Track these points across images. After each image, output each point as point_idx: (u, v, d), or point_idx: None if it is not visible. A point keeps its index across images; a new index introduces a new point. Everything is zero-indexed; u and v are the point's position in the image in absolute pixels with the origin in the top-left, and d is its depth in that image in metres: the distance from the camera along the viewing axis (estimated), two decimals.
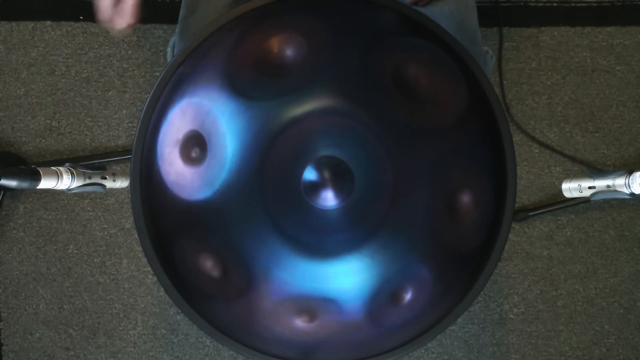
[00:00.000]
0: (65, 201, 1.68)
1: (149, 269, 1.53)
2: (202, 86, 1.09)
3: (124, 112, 1.69)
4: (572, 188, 1.12)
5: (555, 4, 1.70)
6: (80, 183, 0.92)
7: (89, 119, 1.68)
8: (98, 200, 1.68)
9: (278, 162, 1.07)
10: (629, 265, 1.67)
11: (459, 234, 1.11)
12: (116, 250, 1.67)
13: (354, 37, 1.11)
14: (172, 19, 1.36)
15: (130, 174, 1.08)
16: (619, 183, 1.02)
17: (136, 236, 1.21)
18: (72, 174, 0.91)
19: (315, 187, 1.07)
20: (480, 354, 1.66)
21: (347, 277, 1.09)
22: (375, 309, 1.09)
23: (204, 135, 1.08)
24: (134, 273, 1.67)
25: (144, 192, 1.09)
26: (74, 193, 1.33)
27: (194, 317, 1.09)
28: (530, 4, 1.70)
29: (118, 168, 1.04)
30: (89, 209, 1.68)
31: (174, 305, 1.10)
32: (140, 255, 1.67)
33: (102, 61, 1.69)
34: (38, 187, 0.91)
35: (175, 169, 1.09)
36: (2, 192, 1.65)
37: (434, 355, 1.66)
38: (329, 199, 1.07)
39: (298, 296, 1.09)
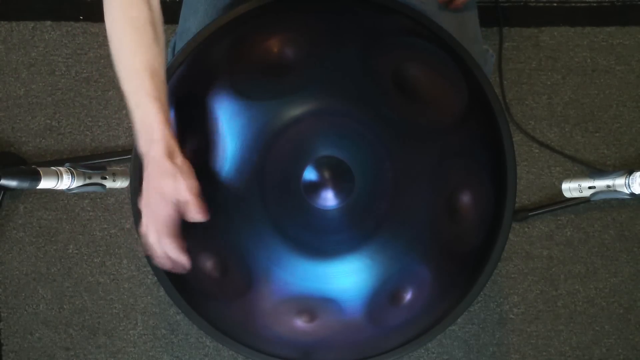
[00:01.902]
0: (65, 201, 1.68)
1: (149, 269, 1.53)
2: (203, 86, 1.09)
3: (124, 112, 1.69)
4: (572, 188, 1.12)
5: (555, 4, 1.70)
6: (80, 183, 0.92)
7: (89, 119, 1.68)
8: (98, 200, 1.68)
9: (278, 162, 1.07)
10: (629, 265, 1.67)
11: (459, 234, 1.11)
12: (116, 250, 1.67)
13: (353, 37, 1.11)
14: (172, 19, 1.36)
15: (130, 174, 1.08)
16: (619, 183, 1.02)
17: (136, 236, 1.21)
18: (72, 174, 0.91)
19: (315, 187, 1.07)
20: (480, 354, 1.66)
21: (347, 277, 1.09)
22: (375, 309, 1.09)
23: (204, 136, 1.08)
24: (134, 273, 1.67)
25: None
26: (74, 193, 1.33)
27: (194, 317, 1.09)
28: (530, 4, 1.70)
29: (118, 168, 1.04)
30: (89, 209, 1.68)
31: (174, 305, 1.10)
32: (140, 255, 1.67)
33: (102, 61, 1.69)
34: (38, 187, 0.91)
35: None
36: (2, 192, 1.65)
37: (434, 355, 1.66)
38: (329, 199, 1.07)
39: (298, 296, 1.09)
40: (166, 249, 0.95)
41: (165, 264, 0.97)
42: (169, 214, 0.93)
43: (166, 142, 0.94)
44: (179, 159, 0.95)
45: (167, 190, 0.93)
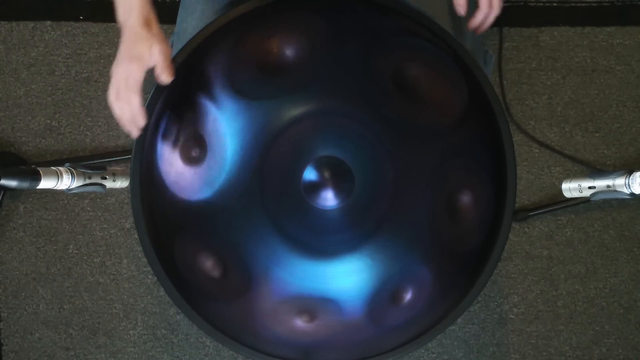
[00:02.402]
0: (65, 201, 1.68)
1: (149, 269, 1.53)
2: (202, 86, 1.09)
3: None
4: (572, 188, 1.12)
5: (555, 4, 1.70)
6: (80, 183, 0.92)
7: (89, 119, 1.68)
8: (98, 200, 1.68)
9: (278, 162, 1.07)
10: (629, 265, 1.67)
11: (459, 234, 1.11)
12: (116, 250, 1.67)
13: (354, 37, 1.11)
14: (172, 19, 1.36)
15: (130, 174, 1.08)
16: (619, 183, 1.02)
17: (136, 236, 1.21)
18: (72, 174, 0.91)
19: (315, 187, 1.07)
20: (480, 354, 1.66)
21: (347, 277, 1.09)
22: (375, 308, 1.09)
23: (204, 135, 1.08)
24: (134, 273, 1.67)
25: (144, 192, 1.09)
26: (74, 193, 1.33)
27: (194, 317, 1.09)
28: (530, 4, 1.70)
29: (118, 168, 1.04)
30: (89, 209, 1.68)
31: (174, 305, 1.10)
32: (140, 255, 1.67)
33: (102, 61, 1.69)
34: (38, 187, 0.91)
35: (175, 169, 1.09)
36: (2, 192, 1.65)
37: (434, 355, 1.66)
38: (329, 199, 1.07)
39: (298, 296, 1.09)
40: (132, 104, 1.05)
41: (126, 118, 1.07)
42: (139, 74, 1.02)
43: (143, 11, 1.01)
44: (155, 27, 1.02)
45: (142, 54, 1.01)
